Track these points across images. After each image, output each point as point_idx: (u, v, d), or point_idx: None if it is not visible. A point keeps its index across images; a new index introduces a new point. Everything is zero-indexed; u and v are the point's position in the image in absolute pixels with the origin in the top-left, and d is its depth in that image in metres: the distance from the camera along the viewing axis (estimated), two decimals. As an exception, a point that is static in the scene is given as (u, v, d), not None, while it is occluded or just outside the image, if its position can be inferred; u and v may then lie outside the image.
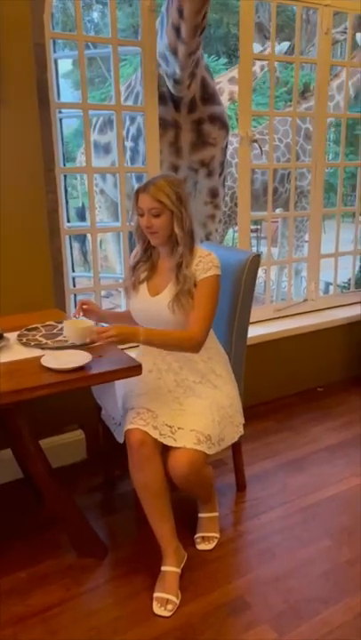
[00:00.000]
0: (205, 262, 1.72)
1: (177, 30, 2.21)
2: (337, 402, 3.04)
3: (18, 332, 1.85)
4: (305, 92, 4.41)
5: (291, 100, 6.27)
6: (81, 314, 1.80)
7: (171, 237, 1.73)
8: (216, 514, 1.97)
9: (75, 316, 1.81)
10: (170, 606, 1.62)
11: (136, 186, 2.62)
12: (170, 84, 2.49)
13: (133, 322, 1.89)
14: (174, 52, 2.30)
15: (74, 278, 2.58)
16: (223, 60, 10.06)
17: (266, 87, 7.86)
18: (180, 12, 2.14)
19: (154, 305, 1.77)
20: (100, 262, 4.63)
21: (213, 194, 2.86)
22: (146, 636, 1.54)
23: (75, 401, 2.08)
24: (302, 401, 3.04)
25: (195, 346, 1.71)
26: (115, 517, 2.10)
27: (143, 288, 1.81)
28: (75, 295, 2.52)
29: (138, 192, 1.72)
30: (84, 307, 1.81)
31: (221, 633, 1.56)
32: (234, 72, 4.58)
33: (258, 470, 2.37)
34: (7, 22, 1.94)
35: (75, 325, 1.68)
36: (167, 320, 1.73)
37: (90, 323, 1.71)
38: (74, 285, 2.55)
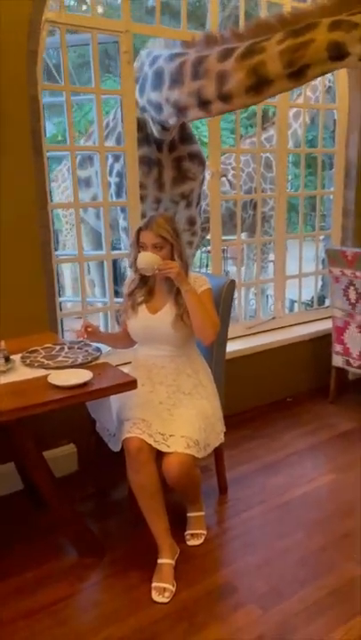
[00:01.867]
0: (198, 281, 2.04)
1: (206, 104, 2.42)
2: (305, 410, 3.32)
3: (20, 355, 2.05)
4: (264, 123, 4.77)
5: (251, 126, 6.66)
6: (85, 335, 2.02)
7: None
8: (203, 513, 2.20)
9: (79, 337, 2.03)
10: (167, 594, 1.83)
11: (121, 219, 2.88)
12: (156, 128, 2.76)
13: (128, 341, 2.13)
14: (182, 111, 2.52)
15: (60, 302, 2.79)
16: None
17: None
18: (227, 99, 2.35)
19: (155, 322, 2.02)
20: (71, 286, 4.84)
21: (191, 222, 3.14)
22: (148, 620, 1.75)
23: (67, 417, 2.28)
24: (274, 410, 3.30)
25: (215, 329, 2.03)
26: (109, 522, 2.29)
27: (142, 309, 2.06)
28: (61, 320, 2.72)
29: (140, 230, 1.98)
30: (89, 329, 2.04)
31: (213, 614, 1.78)
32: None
33: (238, 474, 2.60)
34: (6, 78, 2.18)
35: (147, 257, 1.95)
36: (168, 334, 1.99)
37: (157, 257, 1.96)
38: (60, 309, 2.76)
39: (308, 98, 3.79)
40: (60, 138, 7.86)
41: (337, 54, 2.15)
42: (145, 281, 2.09)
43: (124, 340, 2.19)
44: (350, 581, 1.91)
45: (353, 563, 2.00)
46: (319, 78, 3.57)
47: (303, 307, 4.14)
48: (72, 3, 6.97)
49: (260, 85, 2.29)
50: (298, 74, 2.22)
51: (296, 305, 3.85)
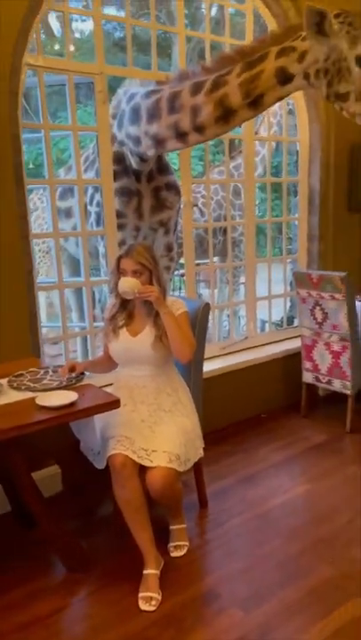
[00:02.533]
0: (175, 305, 2.18)
1: (183, 136, 2.60)
2: (279, 425, 3.46)
3: (7, 379, 2.15)
4: (233, 151, 5.00)
5: (218, 153, 6.92)
6: (67, 374, 2.14)
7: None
8: (185, 525, 2.30)
9: (64, 376, 2.14)
10: (154, 602, 1.92)
11: (100, 246, 3.02)
12: (135, 160, 2.93)
13: (110, 364, 2.26)
14: (161, 144, 2.70)
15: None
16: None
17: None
18: (201, 130, 2.54)
19: (135, 344, 2.15)
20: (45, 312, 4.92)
21: (169, 248, 3.30)
22: (137, 628, 1.84)
23: (51, 439, 2.38)
24: (250, 426, 3.44)
25: (192, 349, 2.17)
26: (96, 538, 2.37)
27: (123, 332, 2.19)
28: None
29: (120, 257, 2.13)
30: (72, 372, 2.15)
31: (199, 619, 1.88)
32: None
33: (217, 488, 2.71)
34: (-11, 119, 2.32)
35: (128, 282, 2.08)
36: (148, 355, 2.12)
37: (137, 281, 2.09)
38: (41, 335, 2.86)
39: (273, 127, 4.06)
40: (31, 165, 8.02)
41: (284, 79, 2.39)
42: (125, 306, 2.22)
43: (106, 363, 2.31)
44: (326, 582, 2.04)
45: (328, 565, 2.13)
46: (282, 114, 3.84)
47: (274, 327, 4.33)
48: (43, 37, 7.23)
49: (226, 116, 2.49)
50: (255, 103, 2.44)
51: (267, 325, 4.03)
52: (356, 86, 2.27)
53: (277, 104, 3.20)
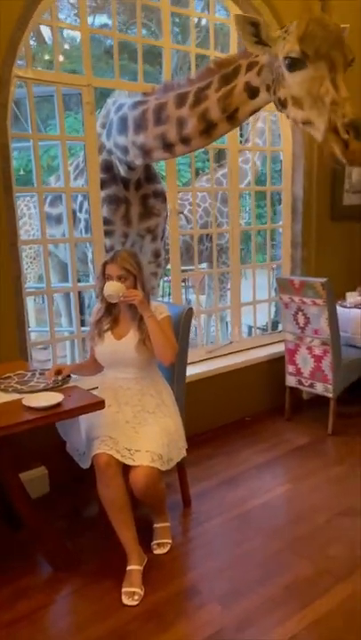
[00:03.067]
0: (158, 309, 2.25)
1: (169, 147, 2.69)
2: (263, 428, 3.54)
3: (-5, 381, 2.21)
4: (221, 160, 5.11)
5: (208, 160, 7.03)
6: (53, 376, 2.20)
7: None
8: (168, 524, 2.37)
9: (50, 379, 2.20)
10: (136, 597, 1.98)
11: (90, 252, 3.09)
12: (123, 169, 3.01)
13: (96, 367, 2.33)
14: (148, 153, 2.79)
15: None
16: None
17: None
18: (187, 142, 2.63)
19: (120, 347, 2.22)
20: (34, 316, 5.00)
21: (157, 254, 3.38)
22: (120, 622, 1.90)
23: (38, 441, 2.43)
24: (234, 429, 3.52)
25: (174, 351, 2.24)
26: (81, 538, 2.42)
27: (108, 335, 2.26)
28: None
29: (106, 263, 2.20)
30: (59, 376, 2.21)
31: (179, 613, 1.95)
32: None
33: (200, 489, 2.78)
34: (-22, 129, 2.39)
35: (113, 286, 2.16)
36: (132, 358, 2.19)
37: (122, 286, 2.17)
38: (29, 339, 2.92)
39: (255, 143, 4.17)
40: (21, 172, 8.09)
41: (252, 93, 2.47)
42: (110, 310, 2.29)
43: (92, 366, 2.38)
44: (303, 579, 2.11)
45: (305, 562, 2.20)
46: (265, 124, 3.94)
47: (259, 331, 4.42)
48: (35, 44, 7.31)
49: (209, 129, 2.59)
50: (232, 117, 2.54)
51: (254, 329, 4.11)
52: (290, 90, 2.29)
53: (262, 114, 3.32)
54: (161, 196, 3.28)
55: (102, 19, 9.53)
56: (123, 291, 2.16)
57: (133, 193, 3.19)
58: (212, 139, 2.67)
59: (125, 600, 1.98)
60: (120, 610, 1.95)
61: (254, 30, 2.26)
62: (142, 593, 2.01)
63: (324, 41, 2.18)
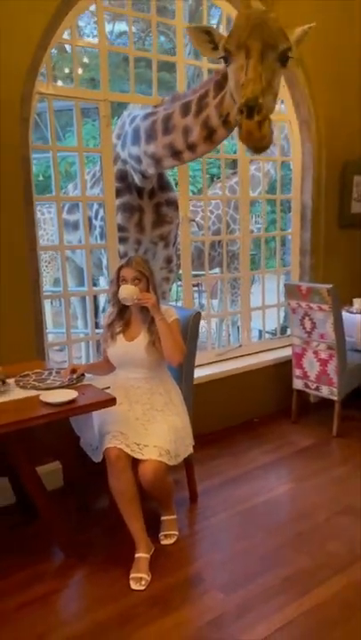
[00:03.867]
0: (168, 312, 2.39)
1: (178, 154, 2.82)
2: (270, 430, 3.65)
3: (14, 378, 2.36)
4: (235, 166, 5.22)
5: (219, 167, 7.15)
6: (69, 375, 2.34)
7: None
8: (175, 516, 2.49)
9: (65, 378, 2.34)
10: (143, 582, 2.11)
11: (104, 258, 3.24)
12: (137, 177, 3.16)
13: (109, 367, 2.47)
14: (159, 162, 2.93)
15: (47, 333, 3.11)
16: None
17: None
18: (193, 149, 2.75)
19: (131, 348, 2.36)
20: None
21: (168, 260, 3.52)
22: (128, 605, 2.03)
23: (53, 436, 2.57)
24: (242, 430, 3.63)
25: (182, 353, 2.37)
26: (92, 529, 2.56)
27: (120, 337, 2.40)
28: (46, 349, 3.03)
29: (121, 267, 2.36)
30: (74, 375, 2.35)
31: (184, 599, 2.07)
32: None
33: (206, 486, 2.90)
34: (3, 142, 2.55)
35: (128, 289, 2.30)
36: (142, 359, 2.32)
37: (136, 289, 2.31)
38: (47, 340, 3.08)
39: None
40: (40, 178, 8.31)
41: (233, 98, 2.53)
42: (122, 314, 2.43)
43: (105, 366, 2.53)
44: (301, 571, 2.22)
45: (305, 556, 2.31)
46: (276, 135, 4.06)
47: (269, 336, 4.52)
48: (55, 53, 7.53)
49: (211, 135, 2.70)
50: (226, 121, 2.62)
51: (263, 334, 4.23)
52: (229, 86, 2.37)
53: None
54: (173, 204, 3.41)
55: (122, 26, 9.73)
56: (137, 294, 2.30)
57: (147, 201, 3.33)
58: (215, 144, 2.80)
59: (133, 585, 2.11)
60: (128, 594, 2.08)
61: (209, 38, 2.35)
62: (149, 579, 2.13)
63: (243, 31, 2.22)
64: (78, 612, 2.03)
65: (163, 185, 3.39)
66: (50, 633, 1.91)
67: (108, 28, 10.39)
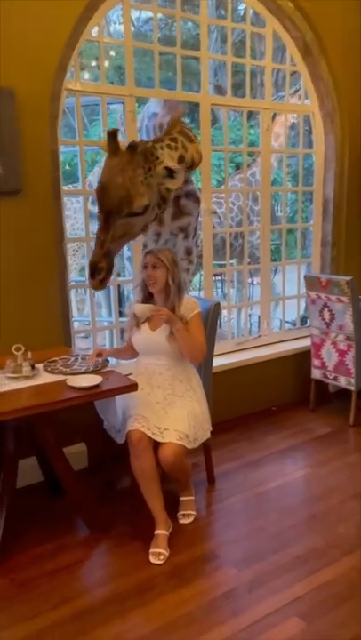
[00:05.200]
0: (190, 305, 2.50)
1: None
2: (287, 418, 3.74)
3: (42, 364, 2.51)
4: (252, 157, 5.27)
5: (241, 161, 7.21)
6: (95, 358, 2.48)
7: (165, 288, 2.46)
8: (192, 497, 2.62)
9: (91, 362, 2.49)
10: (162, 557, 2.25)
11: (125, 249, 3.35)
12: None
13: (132, 353, 2.60)
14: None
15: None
16: (185, 120, 11.10)
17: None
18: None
19: (154, 337, 2.49)
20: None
21: (188, 252, 3.61)
22: (146, 577, 2.17)
23: (79, 419, 2.73)
24: (260, 418, 3.73)
25: (201, 354, 2.50)
26: (115, 507, 2.70)
27: (145, 326, 2.52)
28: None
29: (147, 254, 2.49)
30: (99, 358, 2.50)
31: (199, 573, 2.20)
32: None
33: (224, 469, 3.02)
34: (32, 138, 2.68)
35: (141, 307, 2.44)
36: (165, 347, 2.44)
37: (151, 305, 2.45)
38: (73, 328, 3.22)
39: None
40: (67, 167, 8.47)
41: None
42: (148, 302, 2.55)
43: (129, 351, 2.66)
44: (312, 550, 2.33)
45: (316, 536, 2.42)
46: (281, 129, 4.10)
47: (289, 325, 4.59)
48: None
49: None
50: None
51: (283, 324, 4.30)
52: None
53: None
54: (192, 196, 3.49)
55: (149, 13, 9.74)
56: (150, 310, 2.42)
57: None
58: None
59: (152, 559, 2.25)
60: (147, 567, 2.22)
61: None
62: (167, 554, 2.27)
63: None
64: (101, 581, 2.19)
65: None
66: (75, 598, 2.07)
67: (134, 14, 10.40)
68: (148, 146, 2.45)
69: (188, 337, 2.44)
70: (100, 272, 2.35)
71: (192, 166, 2.84)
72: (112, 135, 2.32)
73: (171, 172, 2.40)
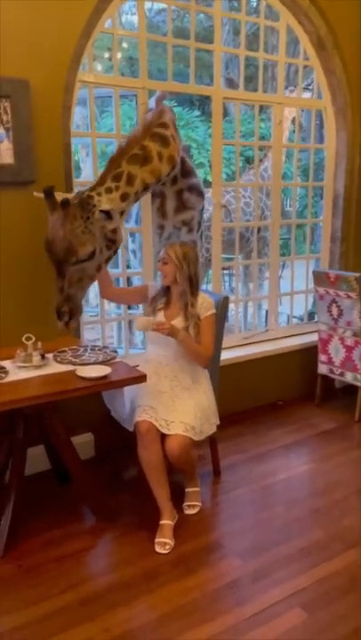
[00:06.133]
0: (206, 304, 2.52)
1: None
2: (293, 412, 3.76)
3: (52, 354, 2.54)
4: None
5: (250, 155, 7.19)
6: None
7: (177, 282, 2.49)
8: (198, 489, 2.65)
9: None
10: (167, 546, 2.28)
11: (129, 242, 3.36)
12: None
13: (115, 293, 2.84)
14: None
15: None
16: (196, 112, 11.09)
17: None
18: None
19: None
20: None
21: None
22: (151, 565, 2.20)
23: (86, 409, 2.76)
24: (266, 411, 3.75)
25: (206, 360, 2.51)
26: (121, 496, 2.74)
27: (160, 314, 2.55)
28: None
29: (164, 247, 2.54)
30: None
31: (203, 562, 2.23)
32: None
33: (229, 462, 3.04)
34: (46, 129, 2.69)
35: (142, 322, 2.43)
36: (173, 339, 2.45)
37: (152, 319, 2.48)
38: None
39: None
40: (77, 157, 8.49)
41: None
42: (166, 292, 2.58)
43: (125, 294, 2.91)
44: (316, 543, 2.36)
45: (320, 530, 2.45)
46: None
47: (296, 320, 4.60)
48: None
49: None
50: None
51: (291, 319, 4.32)
52: None
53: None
54: (195, 190, 3.48)
55: (160, 4, 9.69)
56: (153, 323, 2.42)
57: (169, 187, 3.41)
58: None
59: (158, 549, 2.28)
60: (152, 556, 2.26)
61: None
62: (172, 544, 2.30)
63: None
64: (107, 568, 2.22)
65: (185, 171, 3.45)
66: (82, 584, 2.11)
67: (147, 5, 10.38)
68: (84, 196, 2.49)
69: (192, 346, 2.46)
70: (63, 315, 2.45)
71: (173, 167, 2.86)
72: (48, 194, 2.37)
73: (108, 214, 2.45)
